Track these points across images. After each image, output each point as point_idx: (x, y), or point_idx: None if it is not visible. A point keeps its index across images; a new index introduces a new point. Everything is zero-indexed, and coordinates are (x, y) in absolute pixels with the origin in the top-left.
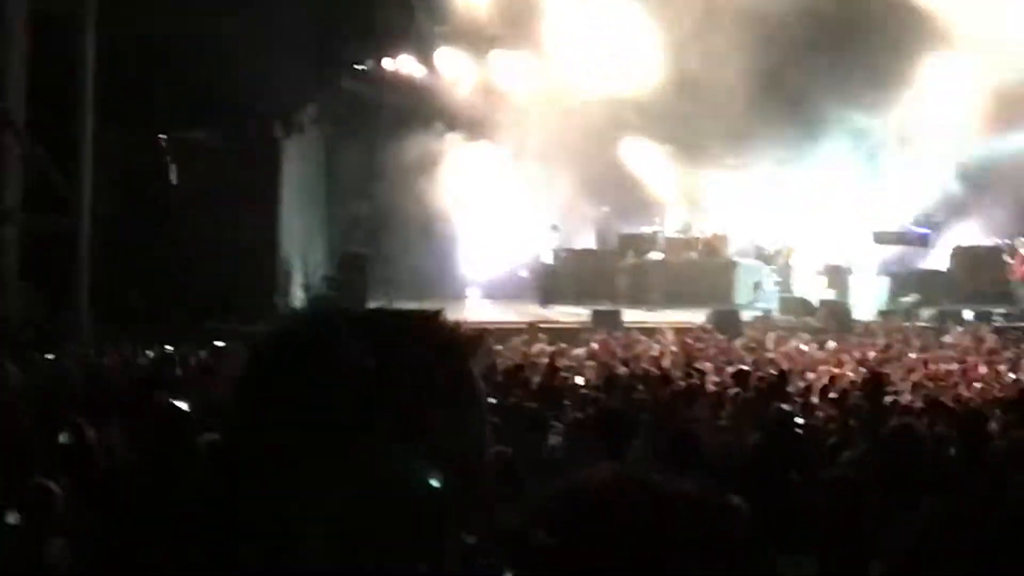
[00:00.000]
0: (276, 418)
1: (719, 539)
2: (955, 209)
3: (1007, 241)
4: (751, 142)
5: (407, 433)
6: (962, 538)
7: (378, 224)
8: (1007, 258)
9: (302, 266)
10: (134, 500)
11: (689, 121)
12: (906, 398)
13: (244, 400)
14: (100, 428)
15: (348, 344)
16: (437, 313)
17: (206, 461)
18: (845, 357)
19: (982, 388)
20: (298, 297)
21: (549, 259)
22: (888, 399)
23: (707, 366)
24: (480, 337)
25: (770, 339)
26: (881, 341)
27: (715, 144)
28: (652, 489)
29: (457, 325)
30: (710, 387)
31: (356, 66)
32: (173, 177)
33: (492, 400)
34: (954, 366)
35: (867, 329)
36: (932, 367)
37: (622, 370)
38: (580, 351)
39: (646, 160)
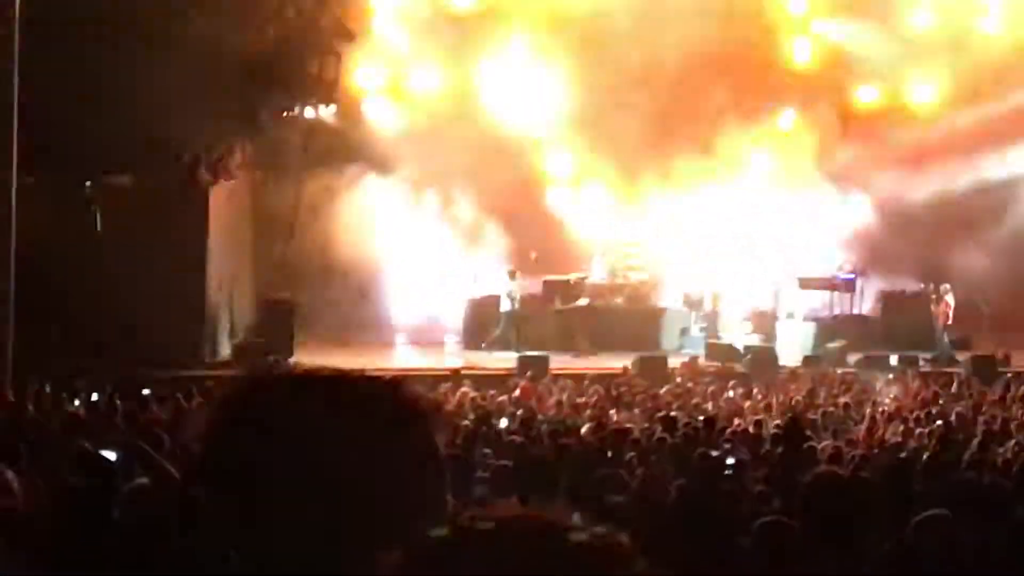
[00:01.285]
0: (246, 483)
1: None
2: (881, 254)
3: (932, 286)
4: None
5: (365, 505)
6: None
7: (304, 269)
8: (932, 305)
9: (228, 314)
10: (55, 546)
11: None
12: (829, 443)
13: (214, 452)
14: (22, 472)
15: (317, 407)
16: (400, 382)
17: (130, 508)
18: (771, 403)
19: (905, 431)
20: (224, 345)
21: (508, 306)
22: (815, 444)
23: (634, 412)
24: (439, 408)
25: (697, 385)
26: (806, 387)
27: (636, 189)
28: (540, 529)
29: (419, 396)
30: (636, 433)
31: (285, 112)
32: (99, 223)
33: None
34: (879, 411)
35: (793, 374)
36: (855, 412)
37: (548, 416)
38: (505, 397)
39: (571, 205)
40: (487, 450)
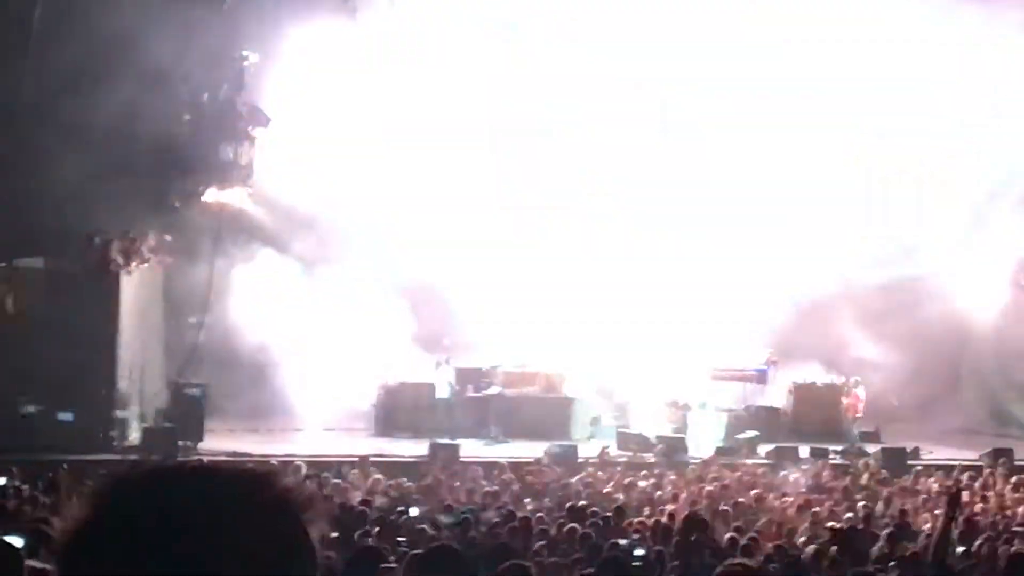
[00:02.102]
0: (112, 567)
1: None
2: (792, 347)
3: (844, 379)
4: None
5: None
6: None
7: (216, 353)
8: (843, 397)
9: (138, 398)
10: None
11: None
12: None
13: (80, 549)
14: None
15: (184, 501)
16: (274, 475)
17: None
18: (681, 494)
19: (813, 523)
20: (134, 430)
21: (447, 393)
22: (727, 534)
23: (544, 501)
24: (313, 499)
25: (608, 475)
26: (717, 477)
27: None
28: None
29: (291, 486)
30: (546, 522)
31: (195, 195)
32: (9, 305)
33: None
34: (788, 502)
35: (704, 465)
36: (764, 504)
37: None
38: (415, 485)
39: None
40: (400, 539)
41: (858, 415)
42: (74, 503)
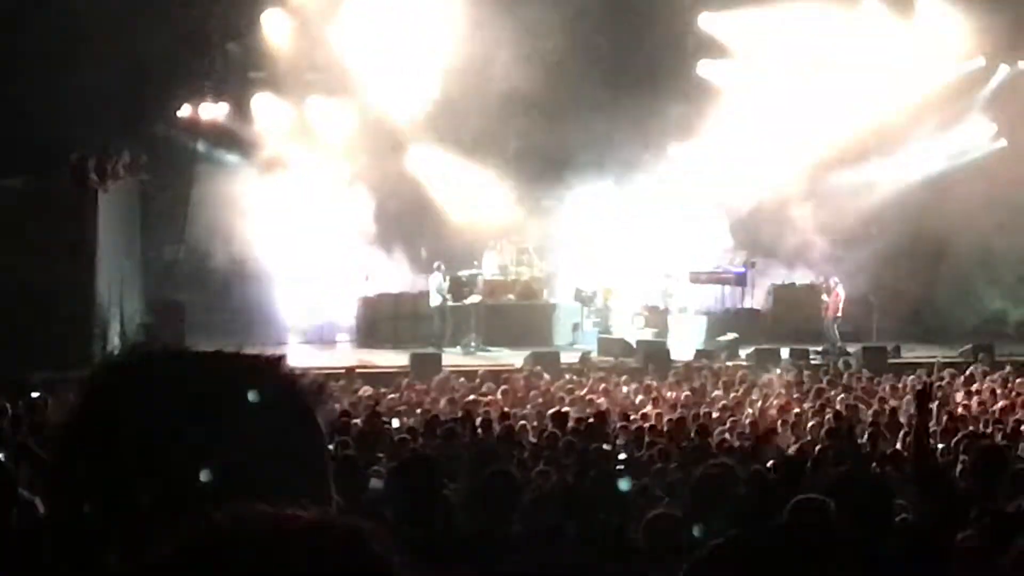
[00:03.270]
0: (114, 449)
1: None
2: (768, 248)
3: (823, 279)
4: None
5: (249, 476)
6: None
7: (194, 269)
8: (824, 296)
9: (119, 315)
10: None
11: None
12: (723, 437)
13: (76, 432)
14: None
15: (194, 380)
16: (280, 358)
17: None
18: (665, 396)
19: (795, 423)
20: (114, 345)
21: (438, 301)
22: (712, 438)
23: (526, 408)
24: (323, 385)
25: (590, 380)
26: (697, 382)
27: (530, 182)
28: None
29: (300, 372)
30: (529, 429)
31: (170, 113)
32: None
33: None
34: (770, 404)
35: (686, 368)
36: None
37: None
38: (398, 395)
39: (461, 202)
40: (380, 454)
41: (838, 315)
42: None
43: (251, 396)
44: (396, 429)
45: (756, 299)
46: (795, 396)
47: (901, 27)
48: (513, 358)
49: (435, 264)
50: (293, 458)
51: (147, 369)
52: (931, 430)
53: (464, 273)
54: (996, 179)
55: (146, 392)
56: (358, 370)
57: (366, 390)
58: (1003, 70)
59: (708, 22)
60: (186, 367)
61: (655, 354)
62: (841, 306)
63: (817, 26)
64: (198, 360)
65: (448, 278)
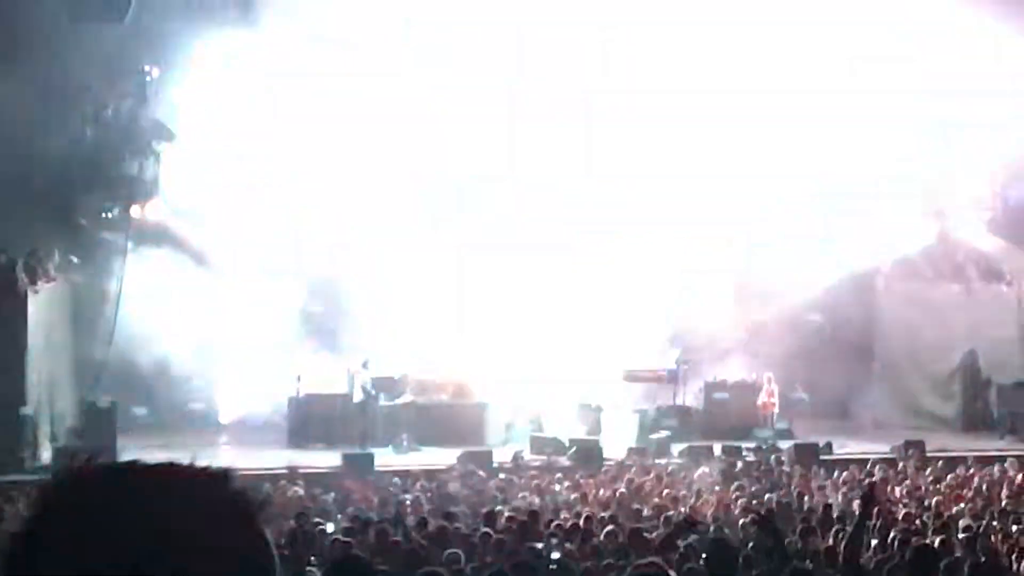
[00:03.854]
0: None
1: None
2: (706, 347)
3: (756, 376)
4: None
5: None
6: None
7: (123, 369)
8: (757, 394)
9: (48, 418)
10: None
11: None
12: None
13: (27, 548)
14: None
15: (138, 502)
16: (226, 473)
17: None
18: (596, 495)
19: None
20: (45, 449)
21: (362, 397)
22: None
23: (460, 507)
24: (267, 500)
25: (522, 479)
26: (634, 478)
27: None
28: None
29: (245, 488)
30: (462, 529)
31: (102, 214)
32: None
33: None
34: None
35: (618, 467)
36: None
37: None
38: (331, 496)
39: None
40: (312, 556)
41: (774, 411)
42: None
43: (201, 515)
44: (329, 532)
45: (689, 397)
46: (727, 492)
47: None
48: (446, 457)
49: (362, 362)
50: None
51: (100, 483)
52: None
53: (394, 373)
54: (921, 274)
55: (98, 506)
56: (288, 471)
57: (295, 491)
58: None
59: None
60: (137, 485)
61: (587, 452)
62: (776, 402)
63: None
64: (148, 475)
65: (373, 377)
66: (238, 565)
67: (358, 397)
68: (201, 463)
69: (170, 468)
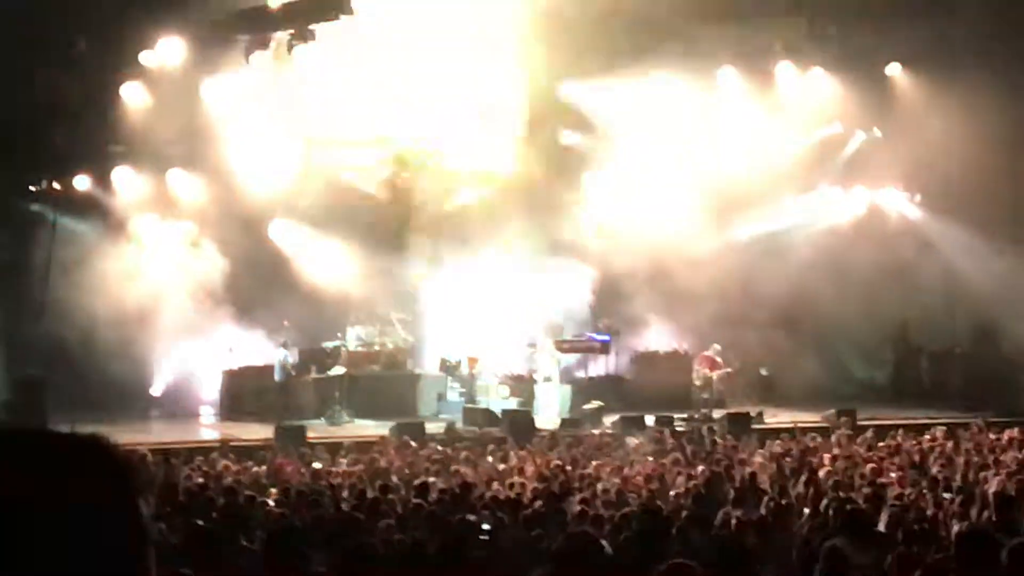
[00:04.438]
0: None
1: None
2: (632, 316)
3: (684, 346)
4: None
5: (59, 558)
6: None
7: (54, 343)
8: (697, 365)
9: None
10: None
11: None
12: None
13: None
14: None
15: (6, 467)
16: (97, 437)
17: None
18: (527, 467)
19: (660, 490)
20: None
21: (282, 376)
22: (575, 507)
23: (391, 479)
24: (141, 461)
25: (455, 450)
26: (563, 449)
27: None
28: None
29: (117, 449)
30: (395, 501)
31: (31, 187)
32: None
33: (171, 520)
34: (635, 472)
35: (551, 437)
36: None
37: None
38: (263, 468)
39: (323, 272)
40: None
41: (714, 383)
42: None
43: (70, 480)
44: (261, 502)
45: (620, 366)
46: (660, 462)
47: (761, 97)
48: (378, 429)
49: (281, 340)
50: (108, 548)
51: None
52: (799, 495)
53: (328, 344)
54: (854, 245)
55: None
56: (221, 443)
57: (226, 464)
58: (859, 136)
59: (570, 93)
60: (5, 450)
61: (520, 423)
62: (718, 373)
63: (678, 97)
64: (16, 442)
65: (293, 353)
66: (103, 528)
67: (278, 375)
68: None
69: (42, 434)
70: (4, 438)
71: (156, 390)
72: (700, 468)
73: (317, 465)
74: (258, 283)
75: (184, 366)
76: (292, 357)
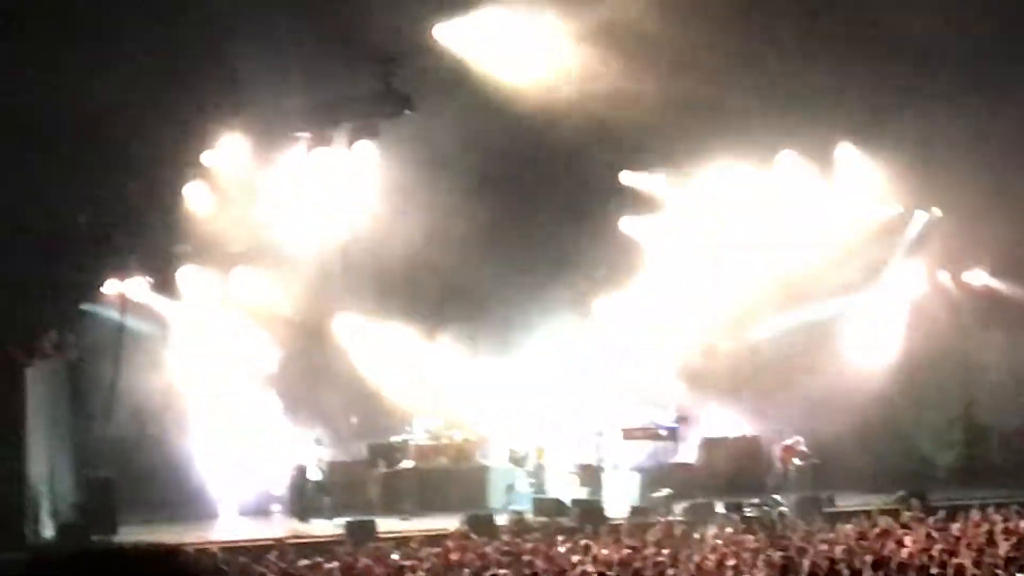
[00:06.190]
0: None
1: None
2: (700, 403)
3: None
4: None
5: None
6: None
7: (123, 445)
8: (775, 449)
9: (49, 494)
10: None
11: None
12: None
13: None
14: None
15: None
16: (175, 548)
17: None
18: (599, 555)
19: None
20: (47, 526)
21: (315, 475)
22: None
23: (463, 572)
24: (219, 569)
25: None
26: (634, 539)
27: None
28: None
29: (198, 559)
30: None
31: (95, 288)
32: None
33: None
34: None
35: (622, 526)
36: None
37: None
38: (334, 565)
39: (387, 368)
40: None
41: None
42: None
43: None
44: None
45: (689, 453)
46: (731, 550)
47: (821, 180)
48: (448, 522)
49: (314, 438)
50: None
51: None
52: None
53: (395, 439)
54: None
55: None
56: (289, 541)
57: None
58: (920, 217)
59: (629, 179)
60: (91, 567)
61: (590, 513)
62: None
63: (739, 183)
64: (102, 559)
65: (369, 443)
66: None
67: (313, 474)
68: (196, 545)
69: (122, 550)
70: (87, 556)
71: (226, 490)
72: (774, 553)
73: (395, 556)
74: (317, 377)
75: (254, 461)
76: (326, 454)
